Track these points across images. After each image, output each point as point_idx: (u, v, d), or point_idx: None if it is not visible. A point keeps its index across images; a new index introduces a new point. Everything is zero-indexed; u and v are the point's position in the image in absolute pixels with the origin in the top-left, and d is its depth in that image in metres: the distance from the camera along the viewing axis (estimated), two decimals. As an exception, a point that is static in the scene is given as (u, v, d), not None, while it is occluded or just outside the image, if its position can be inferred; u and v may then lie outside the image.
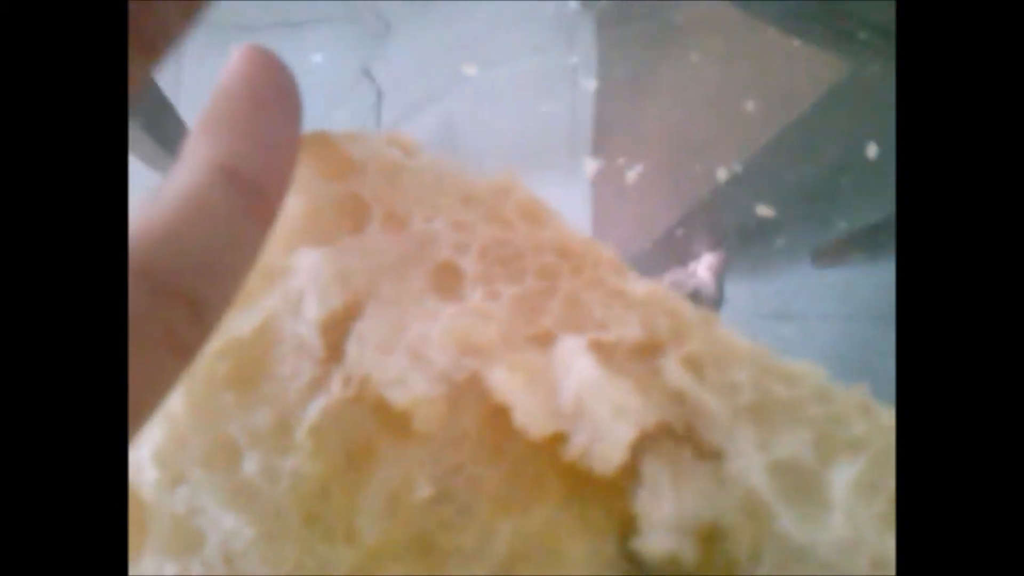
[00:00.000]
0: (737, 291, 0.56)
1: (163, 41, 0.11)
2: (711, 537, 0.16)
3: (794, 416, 0.16)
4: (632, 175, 0.55)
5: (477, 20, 0.61)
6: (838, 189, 0.53)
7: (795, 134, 0.52)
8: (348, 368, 0.16)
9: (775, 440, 0.15)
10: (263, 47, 0.14)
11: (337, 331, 0.16)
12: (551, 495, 0.17)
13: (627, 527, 0.16)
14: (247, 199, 0.13)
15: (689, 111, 0.56)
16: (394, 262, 0.17)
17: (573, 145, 0.60)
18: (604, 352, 0.16)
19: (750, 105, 0.53)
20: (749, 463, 0.15)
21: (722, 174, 0.54)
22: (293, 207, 0.17)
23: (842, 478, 0.15)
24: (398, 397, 0.16)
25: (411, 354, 0.16)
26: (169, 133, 0.57)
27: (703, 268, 0.56)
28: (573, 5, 0.62)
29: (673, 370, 0.16)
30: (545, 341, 0.17)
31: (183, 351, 0.12)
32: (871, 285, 0.51)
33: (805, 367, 0.16)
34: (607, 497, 0.17)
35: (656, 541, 0.16)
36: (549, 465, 0.17)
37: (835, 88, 0.53)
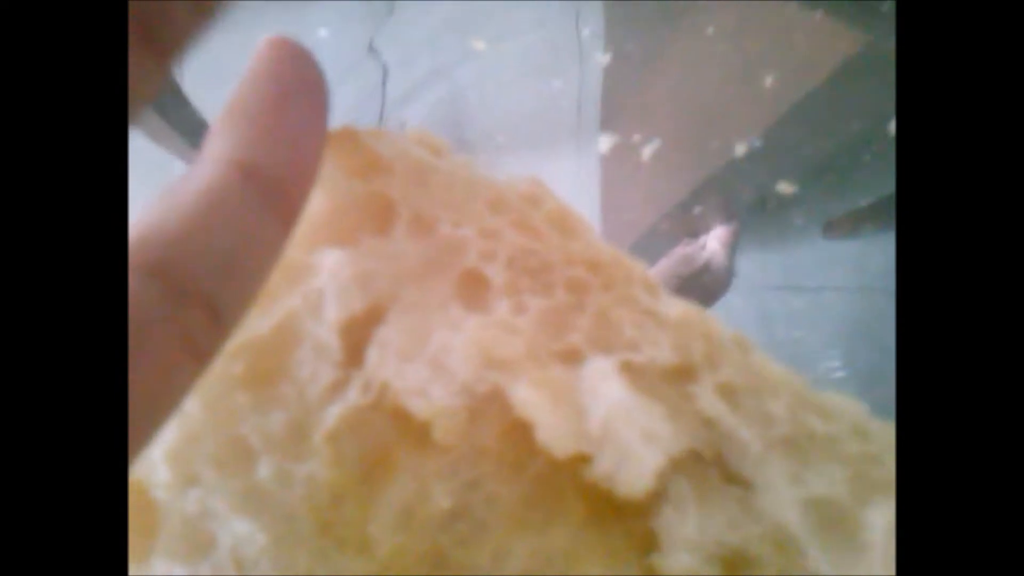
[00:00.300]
0: (747, 263, 0.56)
1: (179, 44, 0.11)
2: (735, 564, 0.15)
3: (830, 452, 0.15)
4: (648, 151, 0.54)
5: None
6: (854, 163, 0.52)
7: (811, 107, 0.51)
8: (368, 374, 0.16)
9: (809, 475, 0.15)
10: (289, 37, 0.14)
11: (357, 335, 0.16)
12: (570, 515, 0.16)
13: (648, 547, 0.16)
14: (268, 198, 0.12)
15: (705, 85, 0.55)
16: (419, 267, 0.16)
17: (583, 119, 0.59)
18: (634, 374, 0.15)
19: (768, 80, 0.52)
20: (780, 496, 0.15)
21: (739, 149, 0.53)
22: (317, 204, 0.16)
23: (879, 519, 0.15)
24: (418, 408, 0.15)
25: (433, 364, 0.16)
26: (169, 106, 0.56)
27: (714, 240, 0.55)
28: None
29: (707, 398, 0.15)
30: (572, 358, 0.16)
31: (199, 355, 0.11)
32: (883, 257, 0.51)
33: (843, 401, 0.15)
34: (629, 518, 0.16)
35: (677, 561, 0.15)
36: (570, 484, 0.16)
37: (853, 60, 0.52)
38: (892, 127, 0.49)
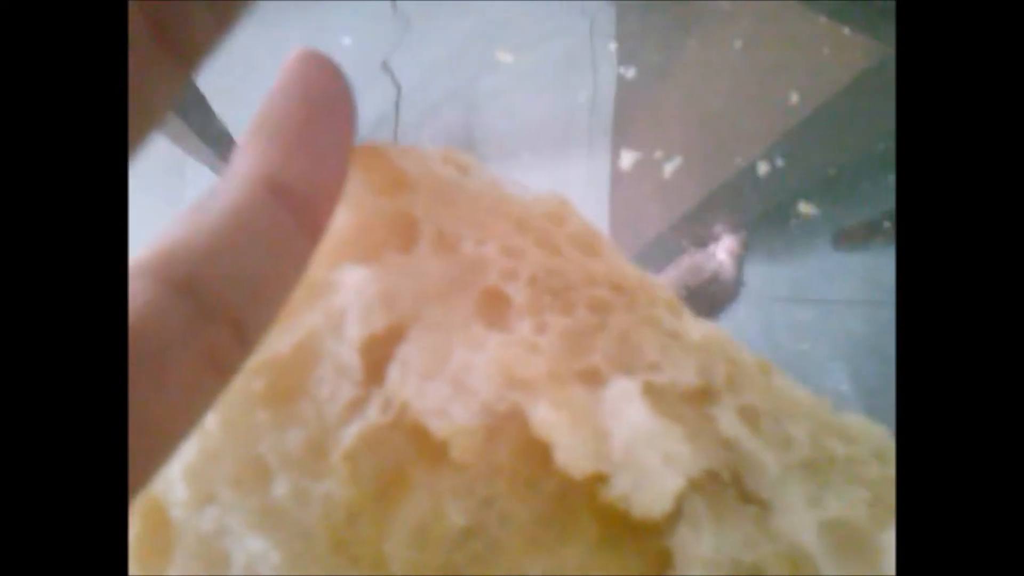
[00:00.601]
0: (754, 274, 0.55)
1: (199, 51, 0.11)
2: None
3: (850, 475, 0.15)
4: (670, 168, 0.54)
5: (499, 8, 0.60)
6: (866, 175, 0.52)
7: (826, 119, 0.51)
8: (388, 392, 0.16)
9: (827, 497, 0.15)
10: (318, 50, 0.14)
11: (378, 353, 0.16)
12: (585, 534, 0.16)
13: (662, 566, 0.16)
14: (295, 215, 0.12)
15: (719, 97, 0.55)
16: (441, 286, 0.16)
17: (595, 129, 0.59)
18: (656, 396, 0.15)
19: (784, 91, 0.52)
20: (798, 517, 0.15)
21: (751, 160, 0.53)
22: (341, 221, 0.16)
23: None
24: (438, 427, 0.15)
25: (454, 383, 0.16)
26: (193, 113, 0.56)
27: (723, 251, 0.55)
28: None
29: (727, 420, 0.15)
30: (593, 378, 0.16)
31: (223, 371, 0.11)
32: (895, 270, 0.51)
33: (866, 425, 0.15)
34: (643, 537, 0.16)
35: None
36: (584, 503, 0.16)
37: (870, 72, 0.52)
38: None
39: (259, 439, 0.15)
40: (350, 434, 0.15)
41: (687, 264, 0.55)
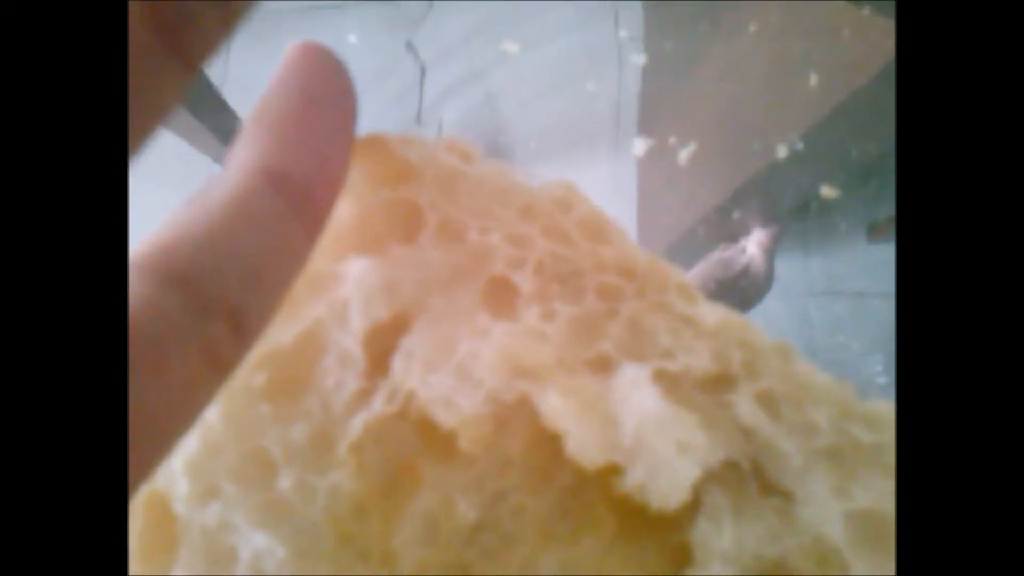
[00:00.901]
0: (787, 267, 0.54)
1: (204, 48, 0.11)
2: None
3: (876, 463, 0.14)
4: (685, 155, 0.53)
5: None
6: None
7: (855, 107, 0.50)
8: (393, 383, 0.15)
9: (854, 487, 0.14)
10: (318, 43, 0.13)
11: (383, 344, 0.16)
12: (601, 527, 0.16)
13: (682, 560, 0.15)
14: (295, 206, 0.12)
15: (745, 86, 0.54)
16: (446, 275, 0.16)
17: (620, 122, 0.58)
18: (669, 383, 0.15)
19: (812, 79, 0.50)
20: (823, 509, 0.14)
21: (781, 151, 0.51)
22: (343, 212, 0.16)
23: None
24: (444, 417, 0.15)
25: (459, 373, 0.15)
26: (205, 109, 0.57)
27: (753, 244, 0.54)
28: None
29: (745, 407, 0.15)
30: (603, 367, 0.15)
31: (221, 366, 0.11)
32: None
33: (891, 409, 0.15)
34: (662, 530, 0.16)
35: (713, 574, 0.15)
36: (600, 495, 0.16)
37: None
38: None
39: (262, 432, 0.15)
40: (356, 426, 0.15)
41: (716, 259, 0.54)
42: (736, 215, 0.55)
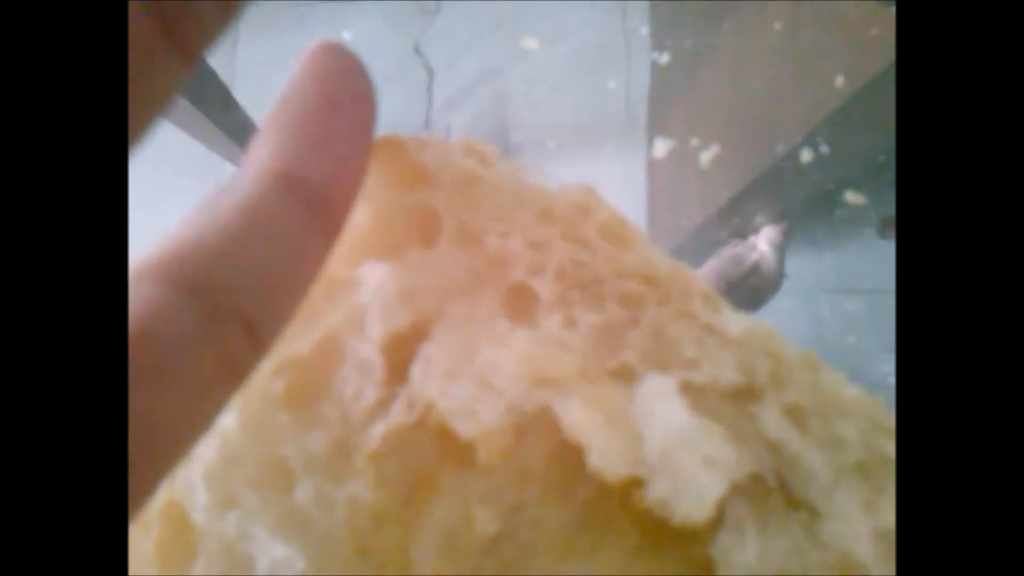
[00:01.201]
0: (799, 264, 0.54)
1: (202, 41, 0.11)
2: None
3: None
4: (706, 157, 0.52)
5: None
6: None
7: (870, 103, 0.49)
8: (412, 392, 0.15)
9: (883, 504, 0.14)
10: (338, 44, 0.13)
11: (401, 351, 0.15)
12: (622, 540, 0.15)
13: (705, 574, 0.15)
14: (311, 211, 0.12)
15: (759, 82, 0.53)
16: (465, 281, 0.15)
17: (631, 119, 0.58)
18: (694, 394, 0.15)
19: (826, 74, 0.50)
20: (850, 525, 0.14)
21: (793, 147, 0.51)
22: (361, 217, 0.16)
23: None
24: (463, 427, 0.15)
25: (479, 382, 0.15)
26: (217, 108, 0.57)
27: (763, 241, 0.54)
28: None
29: (772, 420, 0.14)
30: (626, 376, 0.15)
31: (236, 373, 0.11)
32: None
33: None
34: (684, 543, 0.15)
35: None
36: (621, 508, 0.15)
37: None
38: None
39: (281, 441, 0.15)
40: (375, 435, 0.15)
41: (727, 255, 0.54)
42: (747, 211, 0.54)
